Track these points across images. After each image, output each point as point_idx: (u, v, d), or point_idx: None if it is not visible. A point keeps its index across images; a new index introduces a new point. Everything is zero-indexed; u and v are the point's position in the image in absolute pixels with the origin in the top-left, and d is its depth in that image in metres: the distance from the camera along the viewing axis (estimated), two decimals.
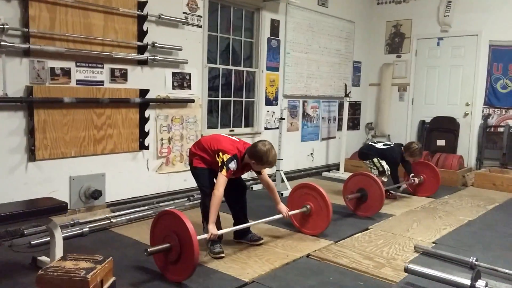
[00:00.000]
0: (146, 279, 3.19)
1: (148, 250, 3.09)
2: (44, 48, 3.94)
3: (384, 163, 5.70)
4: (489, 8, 7.23)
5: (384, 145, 5.89)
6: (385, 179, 5.65)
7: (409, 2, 8.19)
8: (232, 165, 3.55)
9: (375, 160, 5.74)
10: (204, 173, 3.76)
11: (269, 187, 3.96)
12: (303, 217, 4.29)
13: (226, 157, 3.56)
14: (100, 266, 2.52)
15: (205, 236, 3.42)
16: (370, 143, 6.26)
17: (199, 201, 5.10)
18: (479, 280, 2.79)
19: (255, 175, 4.09)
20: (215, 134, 3.94)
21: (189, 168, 5.26)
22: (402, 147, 5.83)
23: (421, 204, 5.57)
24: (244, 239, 3.96)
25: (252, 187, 5.95)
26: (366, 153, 5.91)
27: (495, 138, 7.25)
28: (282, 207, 4.02)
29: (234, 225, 3.95)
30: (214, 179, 3.66)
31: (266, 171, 3.92)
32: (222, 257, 3.58)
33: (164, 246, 3.13)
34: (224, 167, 3.52)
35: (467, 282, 2.79)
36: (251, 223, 3.93)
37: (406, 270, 3.15)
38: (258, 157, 3.57)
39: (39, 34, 3.94)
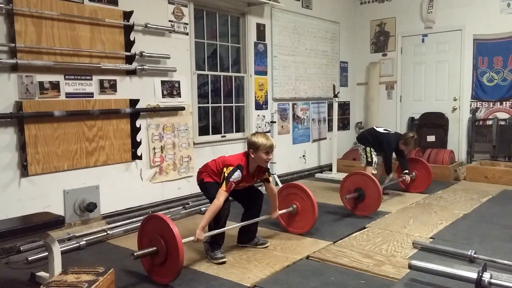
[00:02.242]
0: None
1: (135, 254, 3.15)
2: (32, 62, 3.91)
3: (374, 154, 5.76)
4: (472, 2, 7.31)
5: (384, 130, 5.92)
6: (374, 172, 5.67)
7: (392, 1, 8.26)
8: (236, 175, 3.55)
9: (368, 149, 5.79)
10: (214, 186, 3.72)
11: (272, 194, 4.00)
12: (290, 216, 4.33)
13: (228, 170, 3.57)
14: (102, 278, 2.51)
15: (190, 239, 3.41)
16: (373, 127, 6.26)
17: (194, 208, 5.14)
18: (484, 272, 2.81)
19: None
20: (221, 156, 3.93)
21: (182, 176, 5.34)
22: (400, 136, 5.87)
23: (416, 200, 5.60)
24: (249, 243, 3.97)
25: None
26: (365, 138, 5.92)
27: (484, 131, 7.32)
28: (276, 213, 4.09)
29: (240, 231, 3.99)
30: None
31: (273, 183, 3.99)
32: (224, 262, 3.57)
33: (150, 249, 3.18)
34: (224, 181, 3.53)
35: (473, 275, 2.81)
36: (229, 227, 3.87)
37: (410, 266, 3.16)
38: (252, 145, 3.60)
39: (26, 48, 3.91)
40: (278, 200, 4.24)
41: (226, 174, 3.56)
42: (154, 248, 3.18)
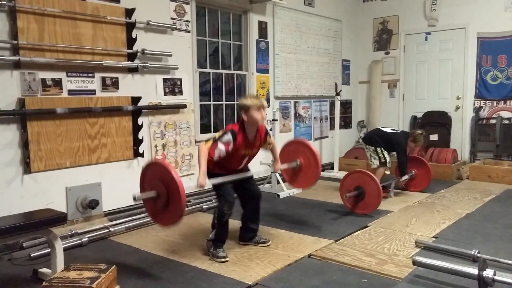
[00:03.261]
0: (150, 287, 3.17)
1: (136, 196, 3.20)
2: (34, 59, 3.91)
3: (386, 154, 5.69)
4: (476, 0, 7.28)
5: (391, 129, 5.84)
6: (387, 172, 5.62)
7: None
8: (225, 138, 3.51)
9: (378, 149, 5.71)
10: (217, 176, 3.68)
11: (272, 147, 4.03)
12: (293, 172, 4.33)
13: (219, 133, 3.58)
14: (104, 275, 2.50)
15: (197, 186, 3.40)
16: (378, 127, 6.13)
17: (196, 206, 5.14)
18: (487, 269, 2.81)
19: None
20: None
21: (184, 173, 5.33)
22: (407, 134, 5.81)
23: (418, 199, 5.58)
24: (251, 241, 3.97)
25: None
26: (373, 139, 5.82)
27: (488, 130, 7.29)
28: (278, 164, 4.13)
29: (241, 229, 4.01)
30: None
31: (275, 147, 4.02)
32: (226, 261, 3.56)
33: (150, 193, 3.22)
34: (211, 139, 3.53)
35: (475, 271, 2.81)
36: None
37: (414, 263, 3.16)
38: (243, 107, 3.59)
39: (29, 45, 3.91)
40: (283, 156, 4.27)
41: (216, 137, 3.54)
42: (154, 191, 3.20)
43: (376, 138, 5.77)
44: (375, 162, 5.74)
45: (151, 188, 3.26)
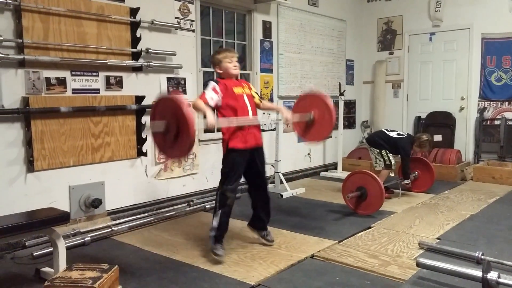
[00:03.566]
0: (152, 287, 3.17)
1: (151, 127, 3.26)
2: (39, 58, 3.91)
3: (391, 156, 5.68)
4: (480, 1, 7.25)
5: (397, 134, 5.80)
6: (392, 174, 5.61)
7: None
8: (209, 86, 3.54)
9: (383, 152, 5.70)
10: (231, 160, 3.65)
11: (267, 105, 4.12)
12: (306, 126, 4.22)
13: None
14: (107, 275, 2.50)
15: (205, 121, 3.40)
16: (383, 129, 6.07)
17: (199, 206, 5.14)
18: (491, 271, 2.80)
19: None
20: None
21: (187, 173, 5.34)
22: (413, 138, 5.79)
23: (422, 200, 5.57)
24: (258, 232, 3.97)
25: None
26: (377, 142, 5.79)
27: (492, 131, 7.26)
28: (285, 112, 3.92)
29: (253, 217, 4.00)
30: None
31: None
32: (220, 263, 3.53)
33: (161, 123, 3.20)
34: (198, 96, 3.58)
35: (479, 274, 2.80)
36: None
37: (418, 264, 3.16)
38: (213, 61, 3.67)
39: (33, 44, 3.91)
40: (297, 108, 4.23)
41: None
42: (165, 122, 3.18)
43: (381, 142, 5.75)
44: (380, 165, 5.72)
45: (162, 120, 3.25)
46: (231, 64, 3.65)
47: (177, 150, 3.20)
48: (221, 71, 3.67)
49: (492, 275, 2.78)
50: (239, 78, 3.91)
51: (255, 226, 4.02)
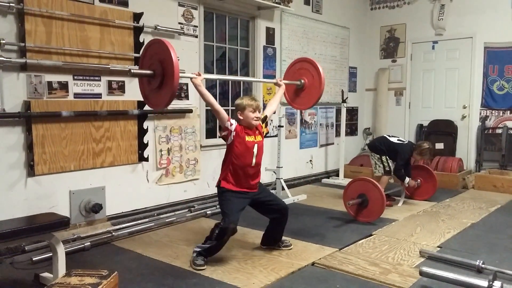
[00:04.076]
0: None
1: (132, 71, 3.30)
2: (41, 62, 3.91)
3: (391, 162, 5.67)
4: (483, 10, 7.27)
5: (398, 140, 5.80)
6: (391, 181, 5.58)
7: (403, 7, 8.22)
8: (233, 120, 3.64)
9: (383, 158, 5.70)
10: (228, 197, 3.68)
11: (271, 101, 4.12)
12: (296, 91, 4.36)
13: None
14: (106, 281, 2.49)
15: (190, 75, 3.53)
16: (384, 135, 6.10)
17: (200, 212, 5.12)
18: (495, 281, 2.79)
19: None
20: None
21: (189, 178, 5.33)
22: (414, 146, 5.77)
23: (423, 208, 5.55)
24: (274, 246, 3.99)
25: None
26: (378, 147, 5.80)
27: (494, 140, 7.26)
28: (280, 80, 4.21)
29: (264, 236, 4.02)
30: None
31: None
32: (203, 269, 3.50)
33: (147, 72, 3.27)
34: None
35: (484, 283, 2.79)
36: None
37: (421, 273, 3.15)
38: (238, 106, 3.70)
39: (36, 48, 3.91)
40: (289, 74, 4.43)
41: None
42: (151, 72, 3.23)
43: (381, 147, 5.75)
44: (380, 170, 5.73)
45: (149, 66, 3.29)
46: (253, 114, 3.65)
47: (159, 98, 3.26)
48: (241, 118, 3.67)
49: (496, 285, 2.77)
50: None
51: (270, 243, 4.01)
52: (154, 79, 3.25)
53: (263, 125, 3.84)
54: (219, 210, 5.05)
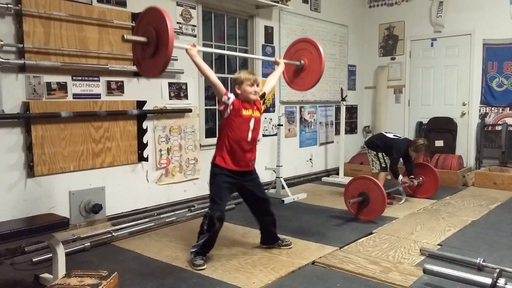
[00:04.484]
0: None
1: (125, 36, 3.19)
2: (40, 63, 3.91)
3: (387, 159, 5.69)
4: (482, 6, 7.26)
5: (394, 135, 5.82)
6: (388, 177, 5.58)
7: (401, 4, 8.21)
8: (230, 94, 3.60)
9: (380, 155, 5.73)
10: (219, 182, 3.68)
11: (269, 79, 4.08)
12: (295, 72, 4.32)
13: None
14: (106, 282, 2.49)
15: (184, 45, 3.49)
16: (382, 132, 6.14)
17: (200, 211, 5.12)
18: (499, 278, 2.80)
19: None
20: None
21: (189, 178, 5.32)
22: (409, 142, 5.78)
23: (423, 206, 5.54)
24: (274, 245, 3.97)
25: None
26: (374, 143, 5.84)
27: (493, 137, 7.25)
28: (279, 59, 4.15)
29: (261, 235, 3.99)
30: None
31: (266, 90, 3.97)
32: (203, 269, 3.50)
33: (141, 39, 3.21)
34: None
35: (488, 280, 2.80)
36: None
37: (425, 271, 3.16)
38: (236, 80, 3.65)
39: (34, 49, 3.91)
40: (289, 54, 4.37)
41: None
42: (145, 39, 3.19)
43: (378, 143, 5.79)
44: (376, 167, 5.77)
45: (144, 34, 3.24)
46: (251, 88, 3.62)
47: (152, 65, 3.24)
48: (239, 92, 3.64)
49: (500, 282, 2.77)
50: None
51: (268, 242, 4.00)
52: (148, 46, 3.20)
53: (261, 101, 3.83)
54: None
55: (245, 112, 3.62)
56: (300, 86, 4.39)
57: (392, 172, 5.76)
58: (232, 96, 3.60)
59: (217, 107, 4.08)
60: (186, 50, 3.45)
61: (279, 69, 4.11)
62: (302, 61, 4.25)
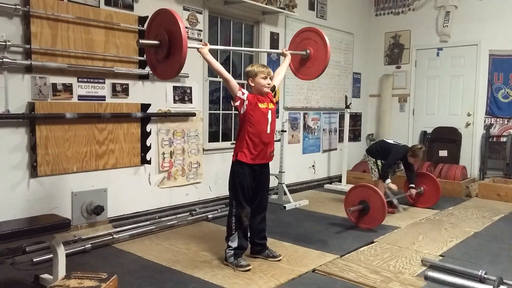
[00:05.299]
0: None
1: (140, 41, 3.28)
2: (46, 64, 3.93)
3: None
4: (488, 17, 7.25)
5: (394, 142, 5.79)
6: (394, 187, 5.52)
7: (407, 13, 8.21)
8: (244, 90, 3.63)
9: (378, 162, 5.71)
10: (241, 181, 3.67)
11: (278, 70, 4.08)
12: (301, 61, 4.31)
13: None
14: (105, 284, 2.49)
15: (196, 45, 3.50)
16: (383, 139, 6.13)
17: (201, 216, 5.12)
18: (500, 286, 2.79)
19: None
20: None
21: (191, 182, 5.32)
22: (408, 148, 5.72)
23: (426, 216, 5.52)
24: (261, 255, 3.89)
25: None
26: (374, 150, 5.83)
27: (498, 148, 7.23)
28: (286, 51, 4.16)
29: (249, 238, 3.89)
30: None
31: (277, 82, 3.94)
32: (250, 269, 3.56)
33: (154, 42, 3.24)
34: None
35: None
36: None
37: (426, 277, 3.17)
38: (249, 73, 3.68)
39: (41, 50, 3.93)
40: (294, 44, 4.37)
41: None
42: (158, 42, 3.21)
43: (377, 150, 5.77)
44: (376, 175, 5.75)
45: (156, 36, 3.25)
46: (265, 81, 3.65)
47: (167, 68, 3.25)
48: (253, 85, 3.68)
49: None
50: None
51: (255, 251, 3.92)
52: (160, 49, 3.22)
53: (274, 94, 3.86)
54: (220, 214, 5.10)
55: (261, 105, 3.64)
56: (307, 75, 4.36)
57: (382, 173, 5.63)
58: (246, 92, 3.63)
59: (232, 104, 4.06)
60: (198, 49, 3.48)
61: (286, 61, 4.12)
62: (308, 51, 4.23)
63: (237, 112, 3.75)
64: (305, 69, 4.33)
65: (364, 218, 4.89)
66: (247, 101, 3.58)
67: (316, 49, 4.21)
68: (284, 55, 4.13)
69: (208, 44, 3.55)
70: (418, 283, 3.33)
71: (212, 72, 5.69)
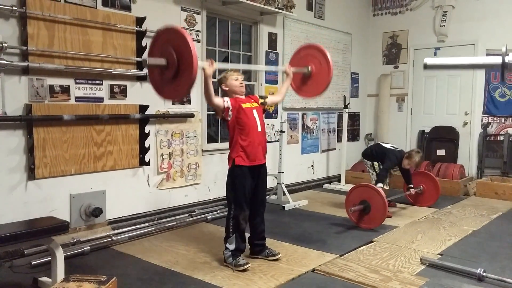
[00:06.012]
0: None
1: (147, 61, 3.09)
2: (43, 65, 3.91)
3: None
4: (485, 17, 7.26)
5: (391, 146, 5.78)
6: (386, 188, 5.53)
7: (405, 13, 8.22)
8: (226, 98, 3.64)
9: (375, 164, 5.71)
10: (240, 182, 3.67)
11: (278, 91, 4.14)
12: (303, 79, 4.23)
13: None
14: (104, 287, 2.47)
15: (203, 64, 3.38)
16: (379, 142, 6.14)
17: (200, 217, 5.11)
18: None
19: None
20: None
21: (190, 183, 5.32)
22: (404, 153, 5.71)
23: (425, 214, 5.53)
24: (260, 255, 3.89)
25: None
26: (369, 153, 5.82)
27: (495, 147, 7.24)
28: (288, 67, 4.12)
29: (249, 239, 3.90)
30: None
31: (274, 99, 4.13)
32: (249, 267, 3.57)
33: (162, 62, 3.07)
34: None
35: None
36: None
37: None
38: (220, 80, 3.75)
39: (38, 52, 3.92)
40: (294, 61, 4.27)
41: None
42: (164, 59, 3.04)
43: (373, 153, 5.77)
44: (373, 177, 5.72)
45: (161, 55, 3.09)
46: (237, 81, 3.69)
47: (175, 89, 3.11)
48: (227, 89, 3.70)
49: None
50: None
51: (255, 252, 3.92)
52: (167, 69, 3.07)
53: (260, 102, 3.87)
54: (219, 215, 5.09)
55: (244, 105, 3.67)
56: (308, 93, 4.31)
57: (377, 176, 5.60)
58: (227, 99, 3.64)
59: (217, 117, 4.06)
60: (203, 69, 3.37)
61: (287, 82, 4.12)
62: (309, 68, 4.16)
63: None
64: (307, 87, 4.25)
65: (364, 218, 4.89)
66: (231, 106, 3.61)
67: (318, 67, 4.14)
68: (287, 73, 4.10)
69: (214, 63, 3.46)
70: (417, 282, 3.33)
71: None
